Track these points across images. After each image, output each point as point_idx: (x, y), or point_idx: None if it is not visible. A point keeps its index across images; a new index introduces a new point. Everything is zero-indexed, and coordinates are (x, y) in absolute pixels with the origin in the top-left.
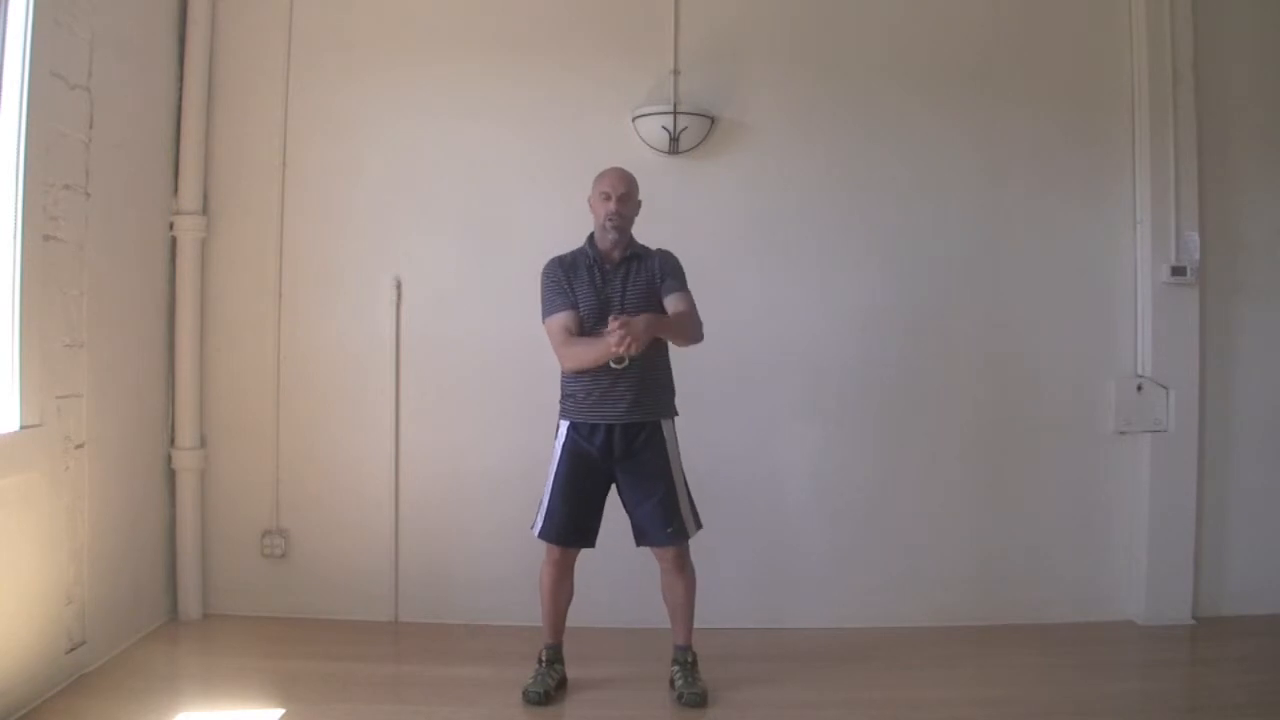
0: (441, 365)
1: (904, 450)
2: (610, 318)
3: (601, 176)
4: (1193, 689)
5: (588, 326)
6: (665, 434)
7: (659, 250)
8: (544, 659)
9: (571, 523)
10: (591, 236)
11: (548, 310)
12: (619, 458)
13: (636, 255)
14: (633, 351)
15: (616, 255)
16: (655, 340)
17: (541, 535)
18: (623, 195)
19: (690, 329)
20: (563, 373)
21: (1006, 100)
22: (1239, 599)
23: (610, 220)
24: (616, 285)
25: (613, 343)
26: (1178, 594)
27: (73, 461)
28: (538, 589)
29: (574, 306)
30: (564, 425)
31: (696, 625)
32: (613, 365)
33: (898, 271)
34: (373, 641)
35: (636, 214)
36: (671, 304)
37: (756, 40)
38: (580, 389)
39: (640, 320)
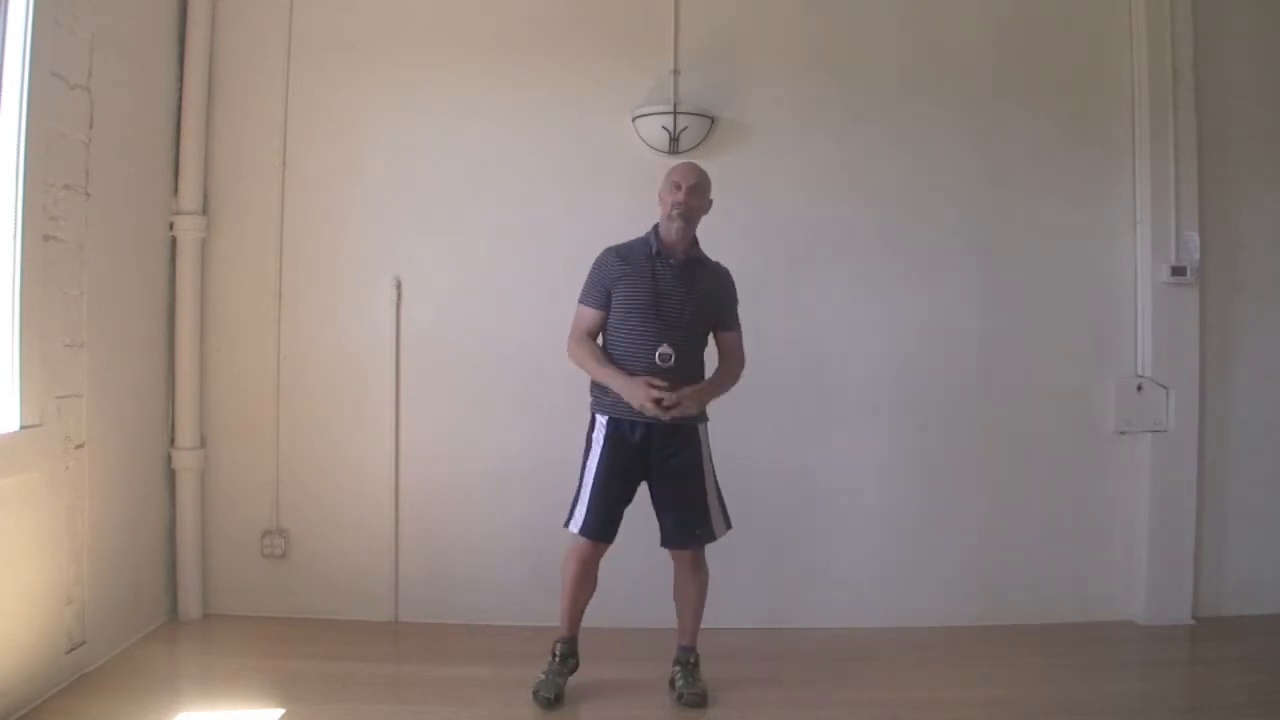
0: (441, 365)
1: (903, 450)
2: (659, 353)
3: (674, 168)
4: (1193, 689)
5: (636, 318)
6: (700, 436)
7: (719, 266)
8: (558, 652)
9: (610, 516)
10: (656, 228)
11: (583, 298)
12: (655, 459)
13: (699, 261)
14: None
15: (680, 251)
16: (695, 346)
17: (582, 531)
18: (693, 186)
19: (731, 385)
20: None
21: (1006, 100)
22: (1239, 599)
23: (676, 208)
24: (680, 289)
25: (648, 407)
26: (1178, 594)
27: (73, 461)
28: (537, 589)
29: (605, 309)
30: (603, 420)
31: None
32: (658, 362)
33: (897, 272)
34: (373, 641)
35: (706, 212)
36: (724, 343)
37: (756, 40)
38: None
39: (691, 399)
